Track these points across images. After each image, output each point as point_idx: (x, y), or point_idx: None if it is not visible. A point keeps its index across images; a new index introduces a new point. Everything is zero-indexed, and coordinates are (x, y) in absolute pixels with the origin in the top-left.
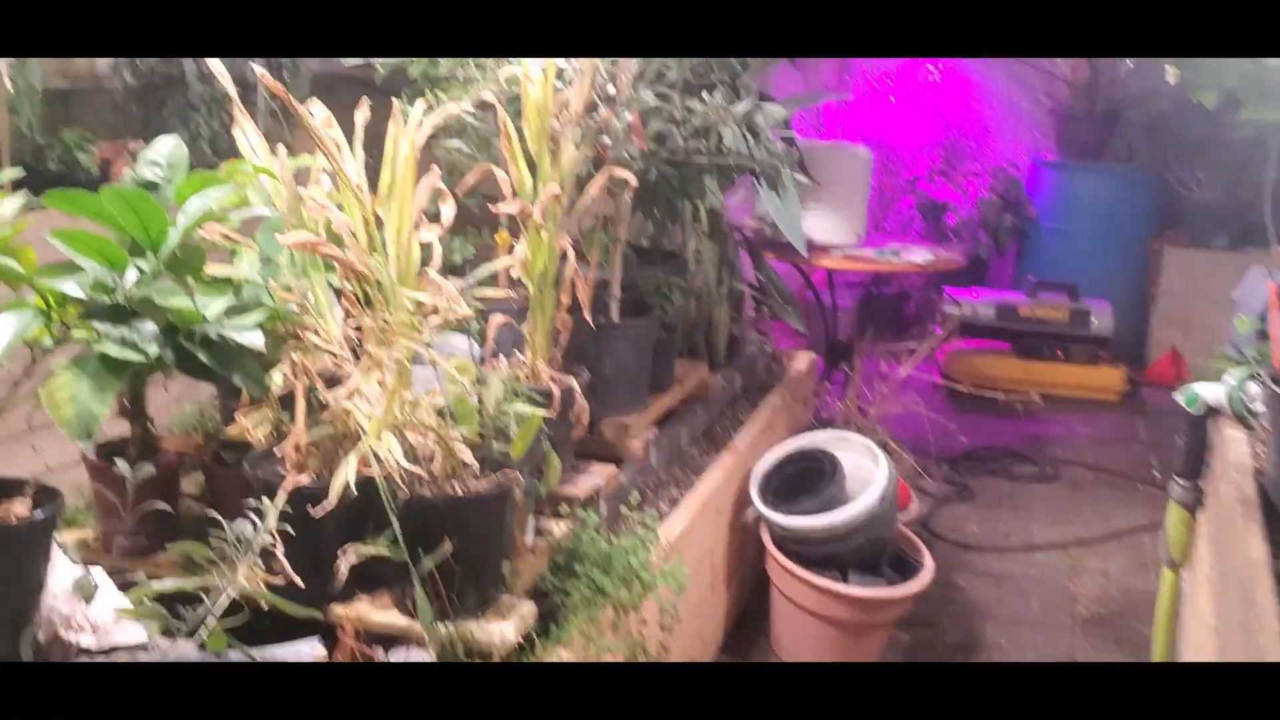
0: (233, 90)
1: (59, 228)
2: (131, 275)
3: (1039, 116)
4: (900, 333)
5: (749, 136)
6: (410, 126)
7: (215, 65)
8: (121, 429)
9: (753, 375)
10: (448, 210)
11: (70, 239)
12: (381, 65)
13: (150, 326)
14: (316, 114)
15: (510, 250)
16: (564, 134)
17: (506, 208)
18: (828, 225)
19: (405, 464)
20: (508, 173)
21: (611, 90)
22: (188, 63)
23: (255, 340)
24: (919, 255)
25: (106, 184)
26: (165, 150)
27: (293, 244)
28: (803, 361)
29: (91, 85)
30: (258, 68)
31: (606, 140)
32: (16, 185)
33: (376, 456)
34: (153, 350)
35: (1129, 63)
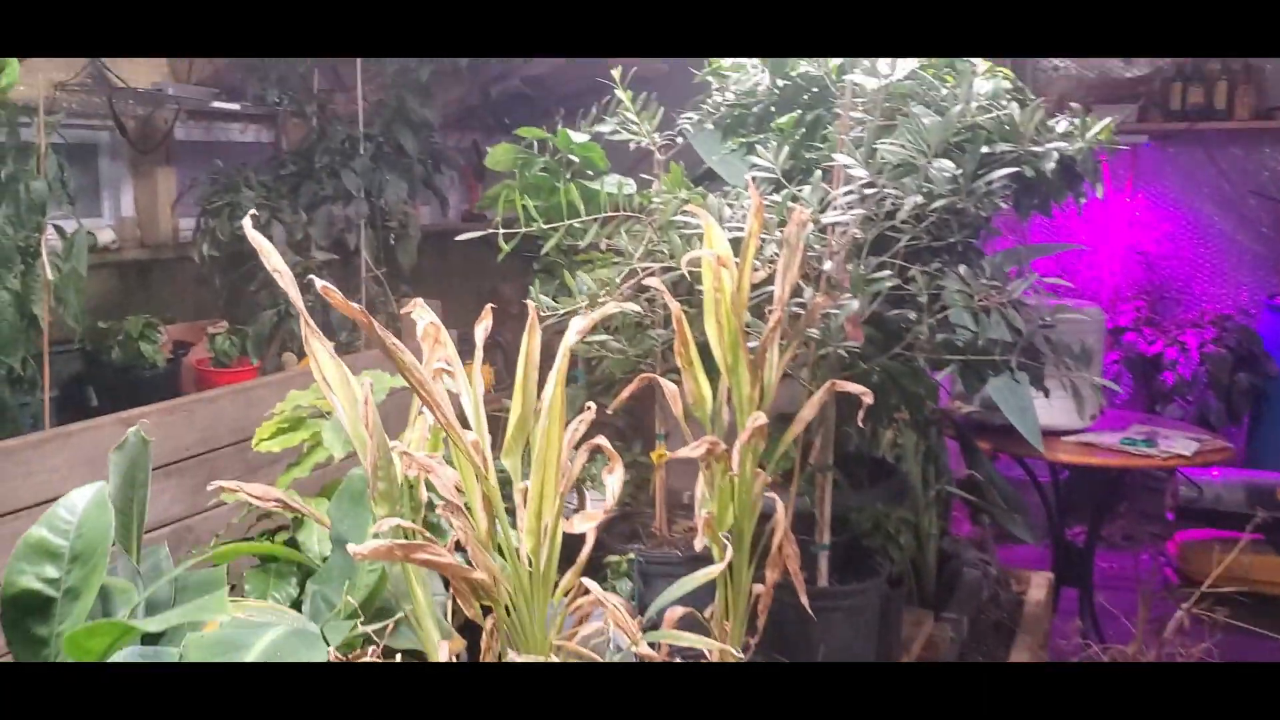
0: (297, 297)
1: None
2: None
3: (1267, 253)
4: (1107, 514)
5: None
6: (562, 347)
7: (262, 245)
8: None
9: (976, 612)
10: (614, 481)
11: None
12: (504, 242)
13: None
14: (420, 318)
15: (662, 467)
16: (771, 339)
17: (692, 451)
18: (1057, 405)
19: None
20: (680, 386)
21: (827, 265)
22: (277, 230)
23: None
24: (1180, 443)
25: (179, 373)
26: None
27: (369, 554)
28: (1040, 588)
29: (175, 255)
30: (319, 281)
31: (813, 333)
32: (73, 380)
33: None
34: None
35: None
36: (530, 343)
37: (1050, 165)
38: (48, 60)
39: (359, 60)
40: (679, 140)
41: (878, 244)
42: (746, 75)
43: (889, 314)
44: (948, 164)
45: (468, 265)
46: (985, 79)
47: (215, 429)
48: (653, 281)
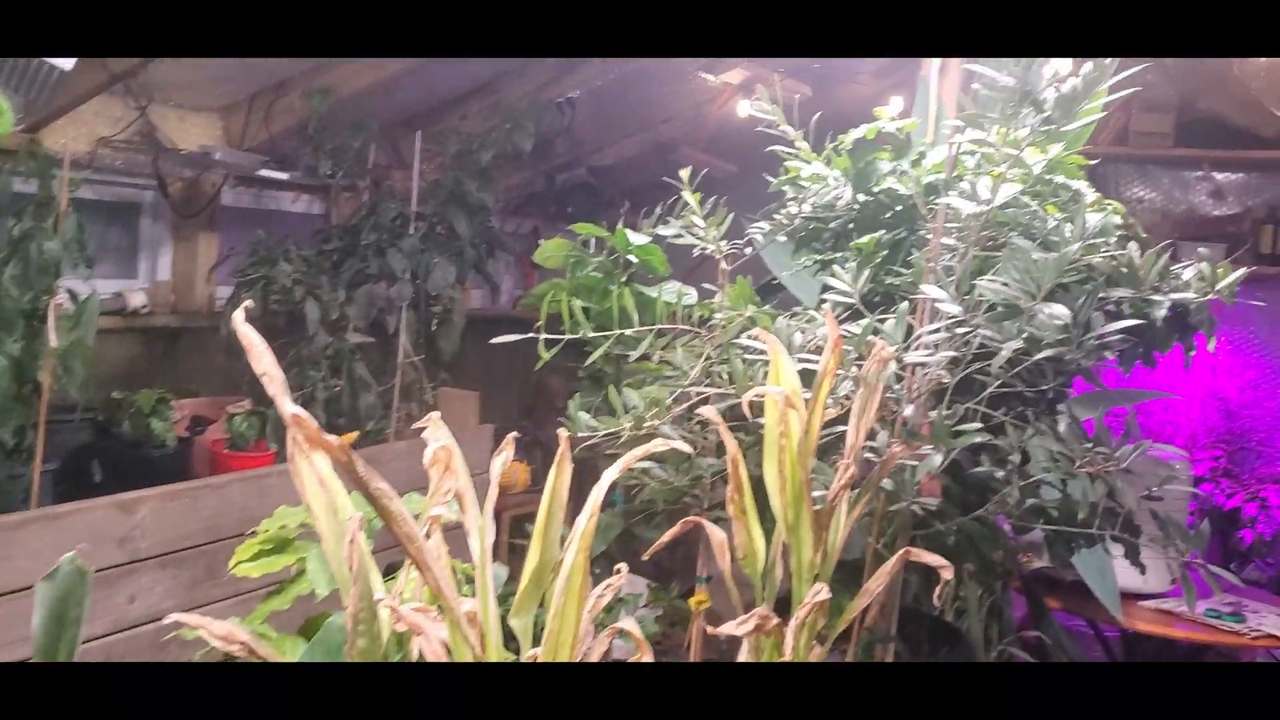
0: (286, 406)
1: None
2: None
3: None
4: None
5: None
6: (591, 499)
7: (252, 342)
8: None
9: None
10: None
11: None
12: (546, 349)
13: None
14: (432, 438)
15: (700, 615)
16: (841, 494)
17: (740, 629)
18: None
19: None
20: (730, 534)
21: (908, 410)
22: (311, 308)
23: None
24: (1271, 621)
25: (191, 453)
26: None
27: None
28: None
29: (207, 323)
30: (291, 409)
31: (886, 485)
32: (78, 453)
33: None
34: None
35: None
36: (558, 480)
37: (1161, 313)
38: (95, 114)
39: (419, 136)
40: (747, 251)
41: (961, 385)
42: (826, 188)
43: (973, 469)
44: (1061, 310)
45: (513, 355)
46: (1094, 211)
47: (221, 518)
48: (709, 413)
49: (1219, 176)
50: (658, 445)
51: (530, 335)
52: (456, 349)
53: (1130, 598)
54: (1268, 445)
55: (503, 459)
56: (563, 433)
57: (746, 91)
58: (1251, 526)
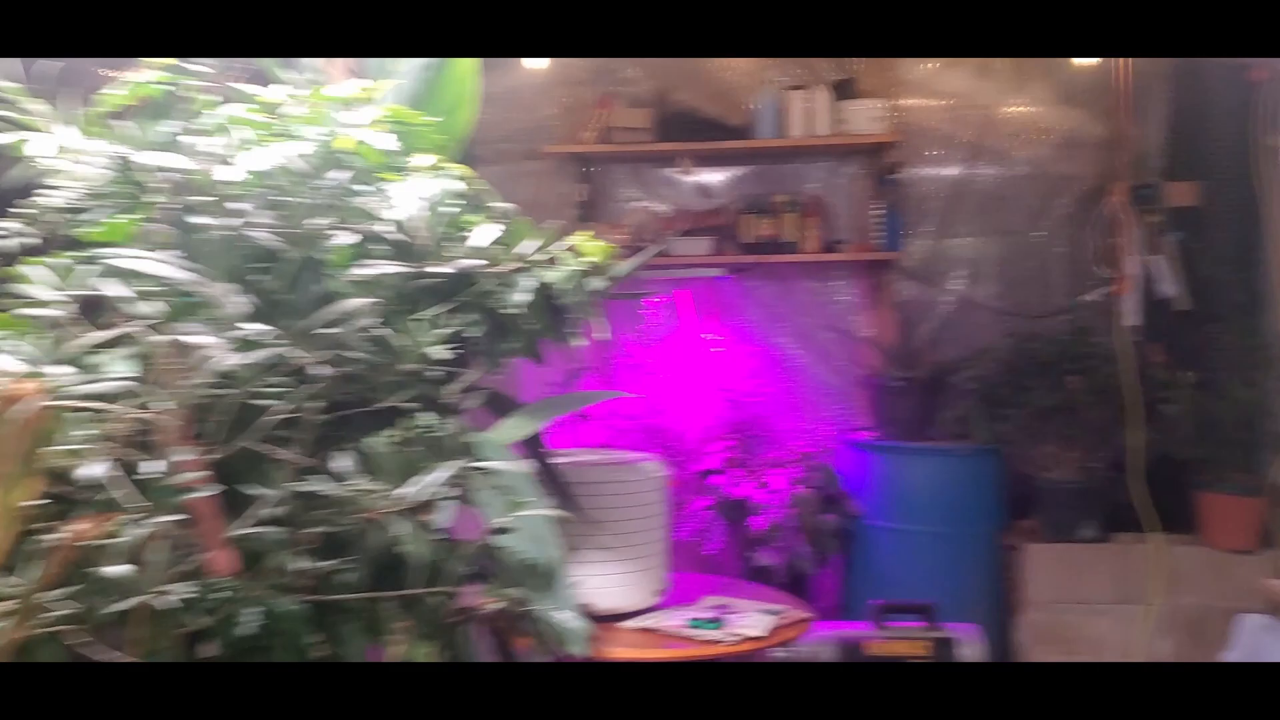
0: None
1: None
2: None
3: (844, 387)
4: None
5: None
6: None
7: None
8: None
9: None
10: None
11: None
12: None
13: None
14: None
15: None
16: None
17: None
18: (616, 584)
19: None
20: None
21: (95, 470)
22: None
23: None
24: (753, 622)
25: None
26: None
27: None
28: None
29: None
30: None
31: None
32: None
33: None
34: None
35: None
36: None
37: (521, 299)
38: None
39: None
40: None
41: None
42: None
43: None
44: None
45: None
46: (428, 178)
47: None
48: None
49: (699, 171)
50: None
51: None
52: None
53: (614, 619)
54: (771, 431)
55: None
56: None
57: None
58: (763, 513)
